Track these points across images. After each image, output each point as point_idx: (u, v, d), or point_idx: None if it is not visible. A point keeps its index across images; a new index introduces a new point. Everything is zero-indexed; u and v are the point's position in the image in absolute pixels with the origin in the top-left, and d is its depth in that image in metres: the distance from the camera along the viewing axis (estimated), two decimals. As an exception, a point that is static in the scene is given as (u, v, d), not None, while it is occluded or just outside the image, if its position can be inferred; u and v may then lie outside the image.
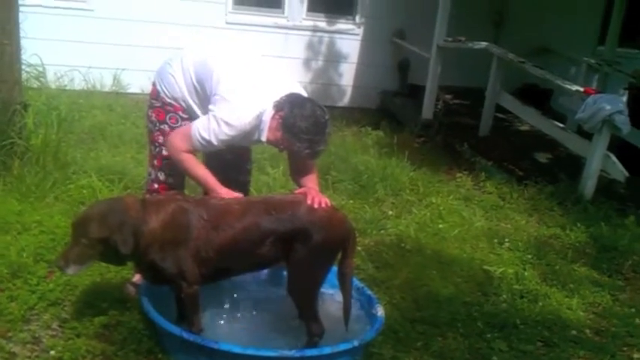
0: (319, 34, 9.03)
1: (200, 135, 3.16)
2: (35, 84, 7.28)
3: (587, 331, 3.96)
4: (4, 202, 4.35)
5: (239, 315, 3.41)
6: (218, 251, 2.98)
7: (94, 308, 3.37)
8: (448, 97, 8.74)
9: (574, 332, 3.88)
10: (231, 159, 3.60)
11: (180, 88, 3.36)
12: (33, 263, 3.66)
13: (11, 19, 4.88)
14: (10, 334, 3.14)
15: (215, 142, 3.17)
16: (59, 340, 3.14)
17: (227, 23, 8.55)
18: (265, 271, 3.55)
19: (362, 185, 5.83)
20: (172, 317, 3.17)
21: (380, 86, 9.37)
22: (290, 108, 3.08)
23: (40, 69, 7.54)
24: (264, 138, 3.20)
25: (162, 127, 3.43)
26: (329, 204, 3.18)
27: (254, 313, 3.44)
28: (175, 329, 2.98)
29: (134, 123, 6.66)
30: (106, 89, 8.09)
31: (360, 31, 9.21)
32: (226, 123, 3.11)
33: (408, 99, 9.00)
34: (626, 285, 4.71)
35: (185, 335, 2.94)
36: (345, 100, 9.41)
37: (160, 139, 3.44)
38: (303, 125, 3.05)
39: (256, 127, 3.19)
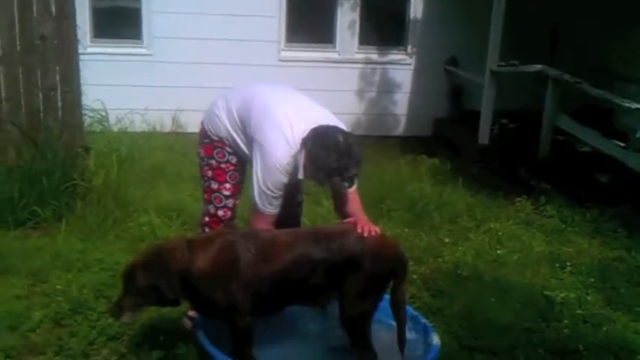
0: (371, 65, 9.10)
1: (263, 204, 3.26)
2: (98, 128, 7.56)
3: (656, 356, 3.79)
4: (67, 242, 4.53)
5: (293, 346, 3.42)
6: (268, 283, 3.00)
7: (151, 342, 3.43)
8: (504, 121, 8.60)
9: (641, 357, 3.73)
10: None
11: (225, 127, 3.46)
12: (93, 299, 3.79)
13: (71, 67, 5.16)
14: (70, 369, 3.25)
15: (275, 194, 3.25)
16: (118, 374, 3.23)
17: (280, 60, 8.73)
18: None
19: (417, 213, 5.78)
20: (228, 350, 3.20)
21: (434, 114, 9.34)
22: (313, 142, 3.12)
23: (103, 113, 7.83)
24: (300, 176, 3.25)
25: (210, 161, 3.53)
26: (379, 232, 3.17)
27: (308, 344, 3.44)
28: (229, 361, 3.01)
29: (192, 161, 6.71)
30: (166, 130, 8.35)
31: (412, 60, 9.24)
32: (270, 172, 3.19)
33: (464, 125, 8.92)
34: (696, 307, 4.49)
35: (239, 367, 2.97)
36: (400, 129, 9.41)
37: (209, 173, 3.54)
38: (328, 156, 3.07)
39: (295, 167, 3.24)
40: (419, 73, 9.26)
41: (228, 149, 3.50)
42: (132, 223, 4.99)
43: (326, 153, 3.07)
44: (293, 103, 3.37)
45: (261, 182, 3.23)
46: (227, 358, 3.03)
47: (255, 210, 3.33)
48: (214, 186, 3.54)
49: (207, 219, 3.60)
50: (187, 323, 3.58)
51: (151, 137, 7.83)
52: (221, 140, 3.49)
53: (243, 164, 3.54)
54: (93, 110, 7.52)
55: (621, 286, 4.65)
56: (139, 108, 8.19)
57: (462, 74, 8.95)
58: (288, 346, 3.41)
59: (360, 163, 3.19)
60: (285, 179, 3.25)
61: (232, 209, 3.60)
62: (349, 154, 3.10)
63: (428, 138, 9.14)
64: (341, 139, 3.12)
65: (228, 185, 3.53)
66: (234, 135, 3.44)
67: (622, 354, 3.73)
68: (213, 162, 3.52)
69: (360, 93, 9.16)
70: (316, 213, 5.36)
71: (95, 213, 4.94)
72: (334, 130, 3.18)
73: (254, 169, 3.28)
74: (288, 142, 3.18)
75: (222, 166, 3.52)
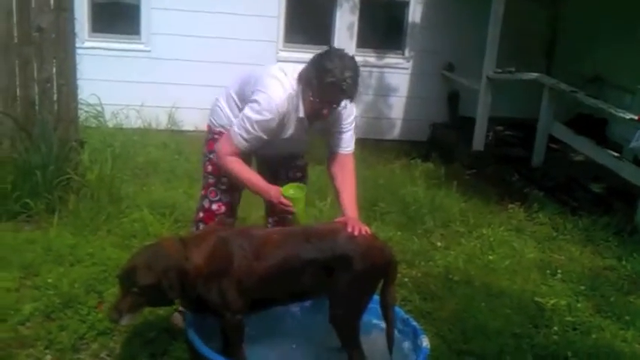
0: (368, 68, 9.10)
1: (239, 128, 3.24)
2: (93, 123, 7.58)
3: (644, 364, 3.82)
4: (59, 236, 4.51)
5: (283, 345, 3.42)
6: (259, 280, 3.01)
7: (141, 338, 3.44)
8: (500, 128, 8.65)
9: (629, 366, 3.75)
10: (281, 160, 3.67)
11: (225, 114, 3.48)
12: (84, 294, 3.77)
13: (68, 60, 5.13)
14: (59, 363, 3.24)
15: (254, 131, 3.21)
16: (107, 369, 3.22)
17: (278, 60, 8.71)
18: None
19: (410, 217, 5.79)
20: (218, 347, 3.20)
21: (430, 119, 9.36)
22: (310, 63, 3.15)
23: (99, 108, 7.83)
24: (301, 114, 3.26)
25: (210, 156, 3.53)
26: (369, 232, 3.18)
27: (298, 342, 3.44)
28: (220, 359, 3.01)
29: (187, 159, 6.83)
30: (162, 127, 8.33)
31: (410, 64, 9.26)
32: (258, 105, 3.18)
33: (459, 131, 8.95)
34: (685, 317, 4.52)
35: (229, 365, 2.97)
36: (395, 133, 9.42)
37: (209, 167, 3.55)
38: (321, 64, 3.08)
39: (293, 108, 3.24)
40: (416, 78, 9.28)
41: None
42: (124, 219, 4.98)
43: (326, 62, 3.08)
44: (289, 64, 3.38)
45: (245, 110, 3.23)
46: (217, 355, 3.03)
47: (229, 138, 3.30)
48: (212, 180, 3.55)
49: (201, 214, 3.60)
50: (178, 319, 3.57)
51: (145, 134, 7.83)
52: (222, 128, 3.46)
53: (246, 160, 3.45)
54: (89, 105, 7.55)
55: (611, 295, 4.68)
56: (135, 104, 8.19)
57: (459, 80, 8.98)
58: (282, 344, 3.42)
59: (358, 75, 3.15)
60: (272, 122, 3.21)
61: (228, 205, 3.58)
62: (343, 63, 3.09)
63: (423, 142, 9.16)
64: (339, 51, 3.15)
65: (225, 179, 3.51)
66: (233, 117, 3.42)
67: (610, 362, 3.76)
68: (214, 156, 3.48)
69: (357, 95, 9.14)
70: (309, 214, 5.34)
71: (88, 208, 4.93)
72: (332, 48, 3.21)
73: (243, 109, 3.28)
74: (282, 84, 3.20)
75: None
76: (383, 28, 9.40)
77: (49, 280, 3.90)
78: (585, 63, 8.94)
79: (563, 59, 9.10)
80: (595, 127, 8.35)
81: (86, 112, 7.47)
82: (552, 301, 4.44)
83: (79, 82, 5.43)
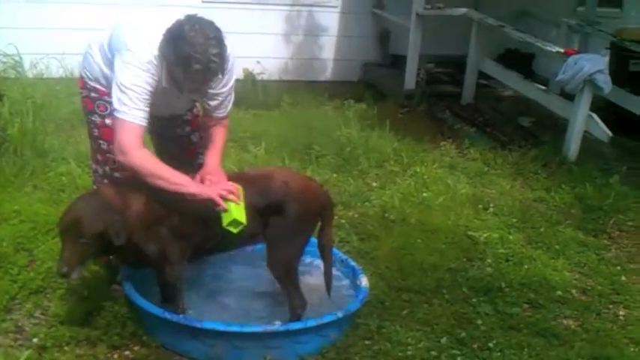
0: (297, 7, 8.91)
1: (126, 103, 2.87)
2: (12, 74, 7.21)
3: (573, 291, 3.96)
4: (-18, 194, 4.32)
5: (221, 293, 3.42)
6: (195, 226, 2.98)
7: (76, 295, 3.34)
8: (430, 66, 8.69)
9: (560, 293, 3.88)
10: (165, 119, 3.41)
11: (97, 64, 3.14)
12: (13, 253, 3.62)
13: (-21, 8, 4.82)
14: (-8, 325, 3.13)
15: (139, 94, 2.87)
16: (42, 328, 3.13)
17: (203, 2, 8.41)
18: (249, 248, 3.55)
19: (345, 158, 5.79)
20: (156, 300, 3.16)
21: (362, 58, 9.30)
22: (167, 42, 2.83)
23: (17, 58, 7.45)
24: (165, 83, 2.97)
25: (92, 118, 3.22)
26: (237, 192, 2.99)
27: (236, 290, 3.45)
28: (158, 310, 2.98)
29: (114, 108, 6.58)
30: (85, 75, 7.99)
31: (339, 3, 9.10)
32: (126, 70, 2.87)
33: (390, 70, 8.96)
34: (611, 244, 4.71)
35: (168, 316, 2.95)
36: (327, 74, 9.33)
37: (95, 131, 3.24)
38: (185, 52, 2.75)
39: (158, 73, 2.94)
40: (346, 17, 9.15)
41: (107, 98, 3.10)
42: (51, 173, 4.80)
43: (178, 48, 2.78)
44: (159, 18, 3.00)
45: (117, 79, 2.89)
46: (155, 307, 3.00)
47: (115, 121, 2.93)
48: (105, 146, 3.21)
49: (105, 181, 3.29)
50: (117, 290, 3.43)
51: (69, 83, 7.46)
52: (97, 84, 3.16)
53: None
54: (6, 55, 7.17)
55: (541, 226, 4.83)
56: (55, 52, 7.81)
57: (389, 17, 8.92)
58: (221, 293, 3.42)
59: (223, 47, 2.84)
60: (144, 76, 2.88)
61: None
62: (204, 38, 2.77)
63: (356, 83, 9.11)
64: (192, 28, 2.78)
65: None
66: (106, 70, 3.09)
67: (542, 290, 3.89)
68: (97, 119, 3.20)
69: (287, 36, 8.98)
70: (244, 160, 5.31)
71: (11, 163, 4.72)
72: (187, 20, 2.84)
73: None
74: (148, 44, 2.88)
75: (107, 122, 3.15)
76: (310, -35, 9.20)
77: (-25, 241, 3.74)
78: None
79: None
80: (522, 61, 8.49)
81: (3, 62, 7.11)
82: (485, 235, 4.55)
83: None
